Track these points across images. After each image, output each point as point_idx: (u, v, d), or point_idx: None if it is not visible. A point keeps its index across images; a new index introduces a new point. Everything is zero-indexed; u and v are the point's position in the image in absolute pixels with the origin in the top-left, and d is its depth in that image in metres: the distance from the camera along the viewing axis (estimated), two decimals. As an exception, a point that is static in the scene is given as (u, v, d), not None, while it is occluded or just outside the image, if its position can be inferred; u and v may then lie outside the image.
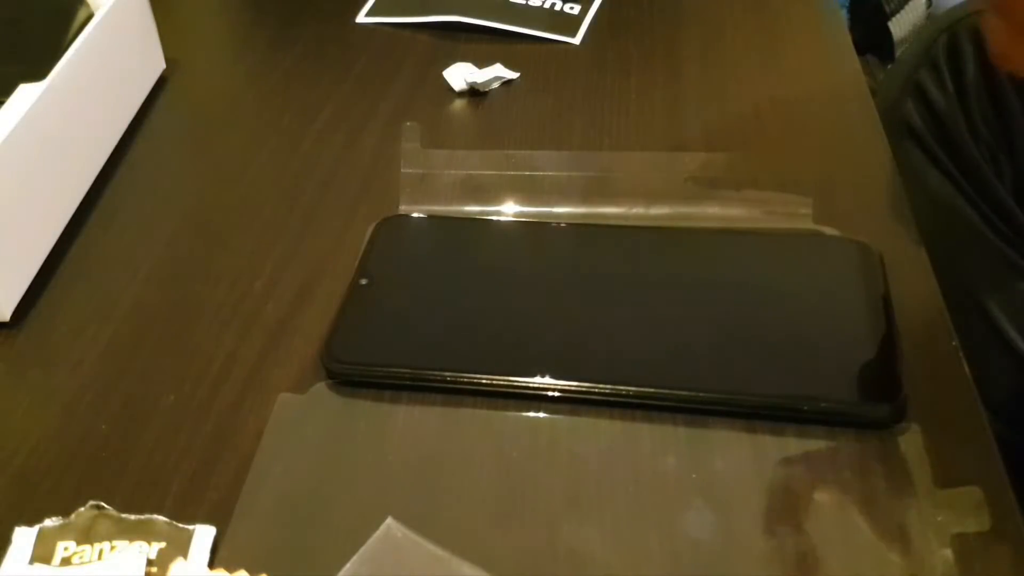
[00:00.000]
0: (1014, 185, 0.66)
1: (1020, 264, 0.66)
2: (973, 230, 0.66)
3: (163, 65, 0.58)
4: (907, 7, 1.17)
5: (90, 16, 0.52)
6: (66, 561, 0.33)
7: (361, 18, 0.64)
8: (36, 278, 0.44)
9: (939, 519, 0.33)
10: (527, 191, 0.48)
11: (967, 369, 0.38)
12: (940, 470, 0.34)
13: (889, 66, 1.16)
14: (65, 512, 0.34)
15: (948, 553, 0.32)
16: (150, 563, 0.32)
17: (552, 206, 0.47)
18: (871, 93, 0.55)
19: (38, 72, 0.46)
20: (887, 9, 1.17)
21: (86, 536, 0.33)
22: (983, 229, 0.66)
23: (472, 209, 0.47)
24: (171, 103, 0.57)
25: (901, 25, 1.17)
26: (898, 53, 1.16)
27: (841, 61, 0.58)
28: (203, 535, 0.33)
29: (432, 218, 0.47)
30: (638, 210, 0.47)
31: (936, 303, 0.41)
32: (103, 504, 0.34)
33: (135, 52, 0.56)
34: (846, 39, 0.60)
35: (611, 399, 0.37)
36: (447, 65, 0.57)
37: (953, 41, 0.67)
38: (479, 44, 0.60)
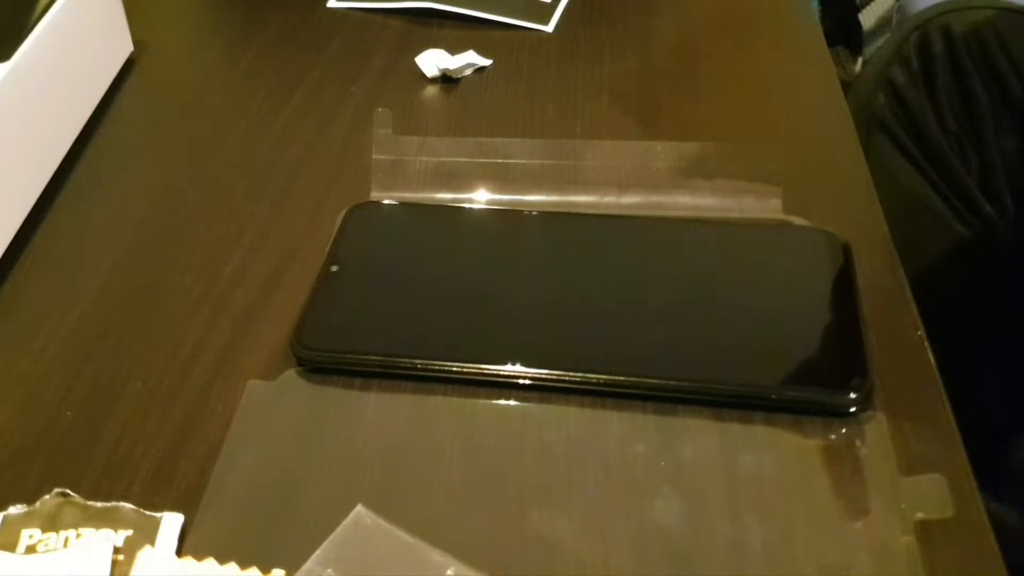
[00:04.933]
0: (980, 176, 0.67)
1: (986, 254, 0.67)
2: (940, 220, 0.67)
3: (131, 47, 0.58)
4: (877, -1, 1.18)
5: (56, -4, 0.51)
6: (31, 549, 0.32)
7: (333, 3, 0.64)
8: (0, 262, 0.44)
9: (903, 506, 0.33)
10: (499, 178, 0.48)
11: (932, 359, 0.38)
12: (904, 458, 0.35)
13: (860, 60, 1.17)
14: (30, 499, 0.34)
15: (911, 539, 0.32)
16: (117, 551, 0.32)
17: (524, 194, 0.47)
18: (841, 85, 0.55)
19: (2, 53, 0.45)
20: (857, 1, 1.18)
21: (52, 524, 0.33)
22: (950, 219, 0.67)
23: (444, 196, 0.47)
24: (139, 86, 0.56)
25: (870, 16, 1.18)
26: (867, 45, 1.17)
27: (812, 52, 0.58)
28: (171, 523, 0.33)
29: (404, 205, 0.47)
30: (610, 198, 0.47)
31: (903, 293, 0.41)
32: (69, 491, 0.34)
33: (102, 33, 0.55)
34: (817, 31, 0.60)
35: (581, 387, 0.37)
36: (419, 51, 0.57)
37: (924, 38, 0.68)
38: (452, 30, 0.60)
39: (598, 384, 0.37)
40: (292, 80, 0.56)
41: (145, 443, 0.36)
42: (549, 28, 0.60)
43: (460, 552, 0.32)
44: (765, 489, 0.34)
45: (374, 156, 0.49)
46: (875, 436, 0.35)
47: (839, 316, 0.39)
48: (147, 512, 0.33)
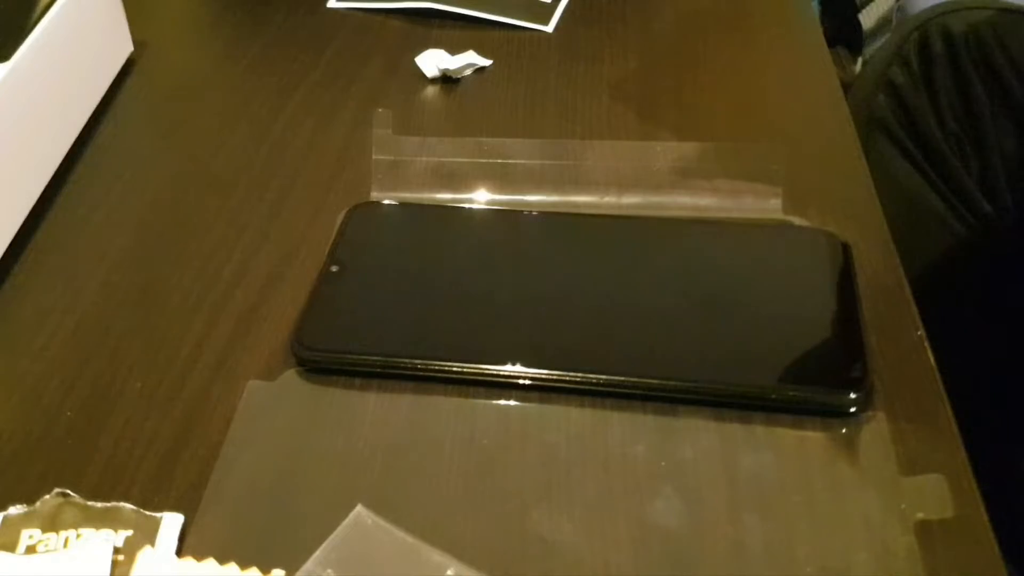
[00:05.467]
0: (980, 176, 0.67)
1: (985, 254, 0.67)
2: (940, 220, 0.67)
3: (131, 47, 0.58)
4: (877, -1, 1.18)
5: (56, -4, 0.51)
6: (31, 549, 0.32)
7: (333, 3, 0.64)
8: (0, 262, 0.44)
9: (903, 506, 0.33)
10: (499, 179, 0.48)
11: (932, 359, 0.38)
12: (904, 458, 0.35)
13: (861, 60, 1.17)
14: (30, 500, 0.34)
15: (911, 539, 0.32)
16: (117, 551, 0.32)
17: (524, 194, 0.47)
18: (841, 85, 0.55)
19: (2, 53, 0.45)
20: (857, 1, 1.18)
21: (51, 524, 0.33)
22: (950, 219, 0.67)
23: (444, 196, 0.47)
24: (139, 86, 0.56)
25: (870, 17, 1.18)
26: (867, 45, 1.17)
27: (812, 52, 0.58)
28: (171, 523, 0.33)
29: (404, 205, 0.47)
30: (610, 199, 0.47)
31: (903, 293, 0.41)
32: (69, 492, 0.34)
33: (102, 33, 0.55)
34: (817, 31, 0.60)
35: (581, 387, 0.37)
36: (419, 51, 0.57)
37: (924, 38, 0.68)
38: (452, 31, 0.60)
39: (598, 384, 0.37)
40: (292, 80, 0.56)
41: (145, 443, 0.36)
42: (549, 28, 0.60)
43: (460, 552, 0.32)
44: (765, 489, 0.34)
45: (374, 156, 0.49)
46: (875, 436, 0.35)
47: (839, 316, 0.39)
48: (147, 512, 0.33)
